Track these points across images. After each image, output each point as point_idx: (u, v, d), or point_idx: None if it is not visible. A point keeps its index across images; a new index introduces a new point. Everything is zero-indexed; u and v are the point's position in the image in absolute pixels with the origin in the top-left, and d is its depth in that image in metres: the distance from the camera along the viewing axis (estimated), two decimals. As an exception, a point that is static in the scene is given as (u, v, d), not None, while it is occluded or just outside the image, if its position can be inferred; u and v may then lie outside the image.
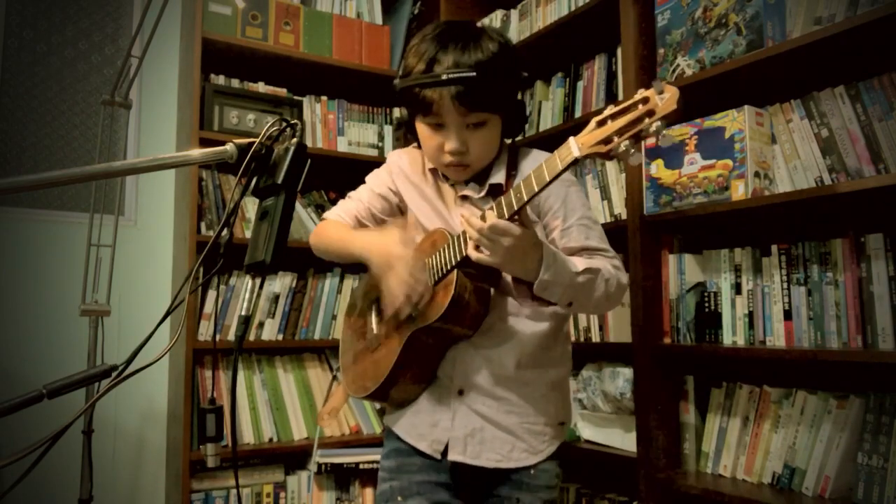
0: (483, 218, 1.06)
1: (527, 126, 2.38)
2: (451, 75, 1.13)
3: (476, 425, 1.20)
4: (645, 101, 0.90)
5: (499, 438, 1.20)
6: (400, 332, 1.21)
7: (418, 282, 1.13)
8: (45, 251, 2.41)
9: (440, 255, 1.16)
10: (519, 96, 1.28)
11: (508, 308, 1.22)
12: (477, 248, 1.07)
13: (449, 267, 1.13)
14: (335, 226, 1.33)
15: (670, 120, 0.88)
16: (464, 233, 1.10)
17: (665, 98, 0.88)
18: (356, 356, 1.34)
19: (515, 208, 1.03)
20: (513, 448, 1.20)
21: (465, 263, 1.12)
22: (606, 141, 0.93)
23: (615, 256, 1.23)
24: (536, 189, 1.00)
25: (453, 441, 1.20)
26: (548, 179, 0.99)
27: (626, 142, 0.91)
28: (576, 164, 0.97)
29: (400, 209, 1.35)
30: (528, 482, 1.21)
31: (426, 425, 1.23)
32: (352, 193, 1.38)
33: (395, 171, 1.35)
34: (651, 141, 0.94)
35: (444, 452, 1.21)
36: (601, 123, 0.94)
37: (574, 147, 0.96)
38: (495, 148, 1.25)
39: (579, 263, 1.14)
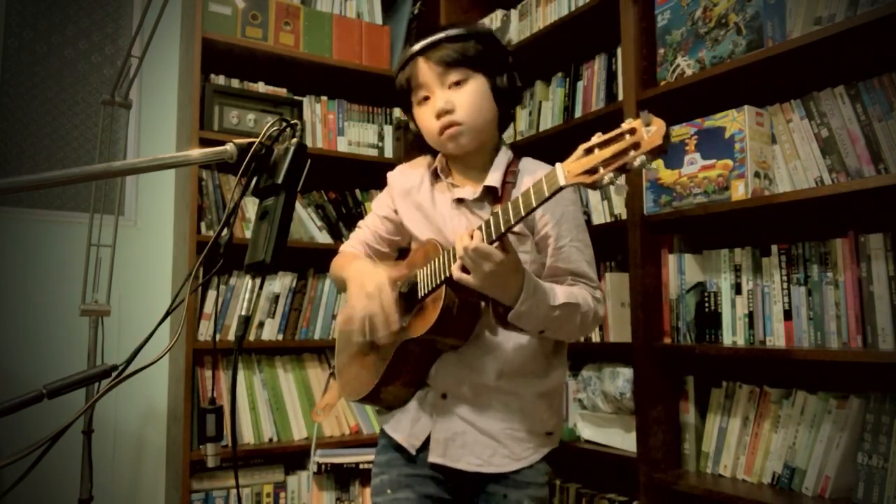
0: (472, 235, 1.07)
1: (527, 125, 2.39)
2: (422, 43, 1.21)
3: (458, 429, 1.21)
4: (632, 131, 0.88)
5: (480, 443, 1.20)
6: (391, 341, 1.21)
7: (377, 311, 1.13)
8: (45, 251, 2.41)
9: (430, 268, 1.16)
10: (507, 69, 1.28)
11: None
12: (462, 268, 1.07)
13: (438, 281, 1.13)
14: (344, 256, 1.37)
15: (656, 155, 0.87)
16: (454, 247, 1.10)
17: (651, 131, 0.86)
18: (350, 359, 1.36)
19: (503, 230, 1.03)
20: (494, 453, 1.20)
21: (452, 280, 1.11)
22: (592, 171, 0.92)
23: (598, 287, 1.23)
24: (523, 213, 1.00)
25: (434, 443, 1.21)
26: (534, 204, 0.99)
27: (611, 173, 0.90)
28: (561, 191, 0.96)
29: (405, 229, 1.37)
30: (515, 478, 1.21)
31: (408, 421, 1.25)
32: (361, 222, 1.44)
33: (394, 190, 1.38)
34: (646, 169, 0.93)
35: (421, 449, 1.23)
36: (588, 151, 0.93)
37: (560, 175, 0.95)
38: (487, 110, 1.24)
39: (560, 295, 1.13)
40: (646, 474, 1.74)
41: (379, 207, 1.40)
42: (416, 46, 1.21)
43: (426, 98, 1.23)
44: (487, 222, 1.05)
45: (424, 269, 1.18)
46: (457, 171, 1.31)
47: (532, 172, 1.25)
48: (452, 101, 1.20)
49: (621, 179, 0.91)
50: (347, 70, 2.58)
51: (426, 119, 1.24)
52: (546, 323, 1.13)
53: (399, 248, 1.44)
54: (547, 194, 0.97)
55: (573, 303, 1.14)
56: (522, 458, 1.22)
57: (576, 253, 1.22)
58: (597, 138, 0.93)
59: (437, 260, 1.15)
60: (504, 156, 1.29)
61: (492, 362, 1.21)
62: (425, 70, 1.20)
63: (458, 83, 1.20)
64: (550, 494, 2.15)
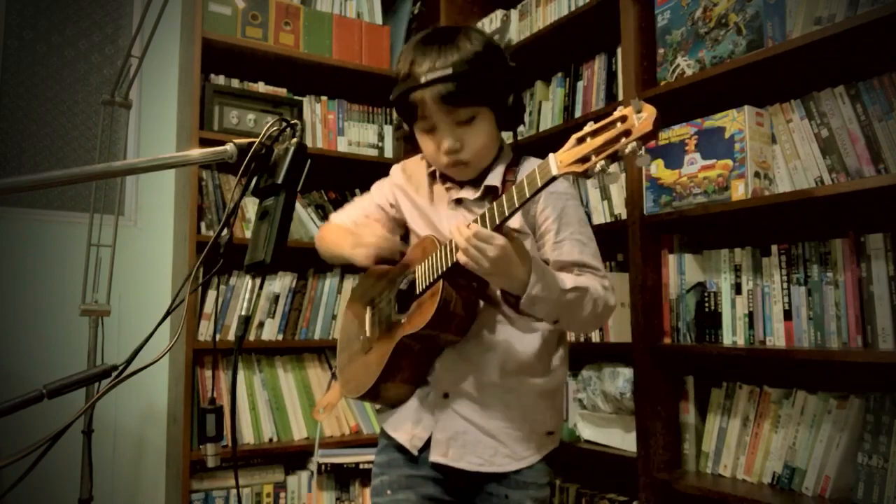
0: (469, 226, 1.07)
1: (527, 126, 2.39)
2: (429, 77, 1.14)
3: (459, 428, 1.21)
4: (623, 119, 0.88)
5: (482, 443, 1.20)
6: (390, 337, 1.22)
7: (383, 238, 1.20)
8: (45, 251, 2.41)
9: (428, 263, 1.17)
10: (512, 89, 1.25)
11: (496, 316, 1.22)
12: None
13: (436, 275, 1.13)
14: (334, 228, 1.38)
15: (646, 141, 0.86)
16: (451, 241, 1.09)
17: (642, 118, 0.86)
18: (350, 357, 1.36)
19: (497, 222, 1.03)
20: (495, 453, 1.20)
21: (452, 272, 1.11)
22: (584, 160, 0.91)
23: (606, 276, 1.22)
24: (517, 203, 1.00)
25: (436, 443, 1.21)
26: (528, 195, 0.98)
27: (603, 161, 0.89)
28: (554, 180, 0.96)
29: (398, 222, 1.37)
30: (516, 479, 1.21)
31: (409, 422, 1.25)
32: (356, 199, 1.43)
33: (395, 186, 1.37)
34: (638, 161, 0.92)
35: (423, 449, 1.23)
36: (580, 140, 0.93)
37: (553, 165, 0.95)
38: (493, 143, 1.24)
39: (568, 280, 1.13)
40: (646, 474, 1.74)
41: (377, 195, 1.40)
42: (422, 78, 1.14)
43: (432, 128, 1.20)
44: (483, 215, 1.05)
45: (422, 264, 1.19)
46: None
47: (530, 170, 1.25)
48: (460, 139, 1.18)
49: (614, 167, 0.91)
50: (347, 70, 2.59)
51: (431, 148, 1.22)
52: (560, 309, 1.12)
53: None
54: (540, 184, 0.97)
55: (583, 286, 1.14)
56: (524, 458, 1.21)
57: (578, 245, 1.21)
58: (589, 127, 0.93)
59: (434, 255, 1.15)
60: (505, 156, 1.28)
61: (495, 360, 1.21)
62: (431, 105, 1.16)
63: (466, 121, 1.18)
64: (550, 494, 2.15)
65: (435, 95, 1.14)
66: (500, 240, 1.03)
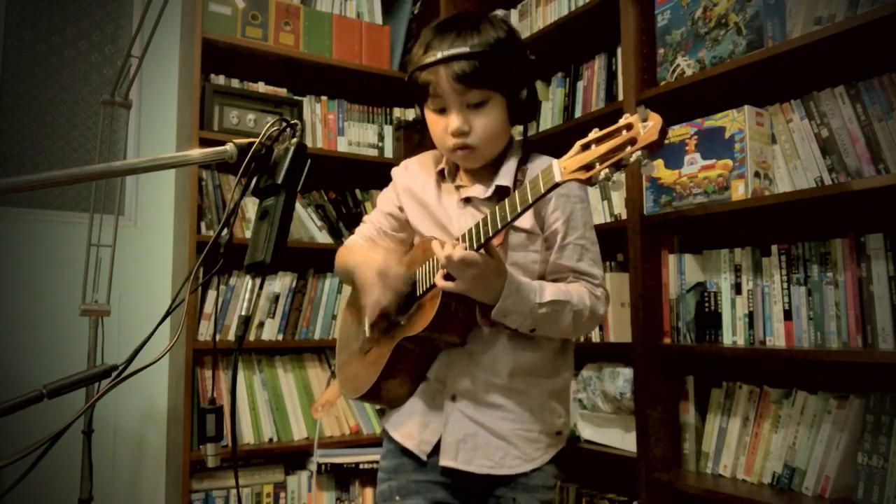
0: (463, 237, 1.09)
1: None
2: (446, 53, 1.14)
3: (469, 431, 1.20)
4: (629, 127, 0.88)
5: (492, 444, 1.20)
6: (389, 338, 1.21)
7: (390, 288, 1.17)
8: (45, 251, 2.41)
9: (429, 266, 1.16)
10: (528, 81, 1.23)
11: None
12: (447, 273, 1.09)
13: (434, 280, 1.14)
14: (347, 250, 1.38)
15: (652, 150, 0.86)
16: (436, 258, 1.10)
17: (648, 127, 0.86)
18: (350, 357, 1.35)
19: (500, 226, 1.03)
20: (506, 455, 1.20)
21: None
22: (588, 167, 0.91)
23: (601, 284, 1.22)
24: (519, 209, 1.00)
25: (445, 447, 1.20)
26: (530, 201, 0.99)
27: (607, 169, 0.89)
28: (556, 187, 0.96)
29: (409, 224, 1.37)
30: (524, 482, 1.21)
31: (417, 426, 1.23)
32: (366, 217, 1.42)
33: (399, 186, 1.36)
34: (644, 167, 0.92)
35: (431, 454, 1.22)
36: (585, 147, 0.93)
37: (556, 172, 0.95)
38: (502, 133, 1.23)
39: (549, 293, 1.14)
40: (646, 474, 1.74)
41: (384, 203, 1.39)
42: (440, 54, 1.14)
43: (442, 109, 1.19)
44: (485, 219, 1.06)
45: (423, 266, 1.18)
46: (465, 171, 1.30)
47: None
48: (470, 123, 1.17)
49: (619, 175, 0.91)
50: (347, 70, 2.59)
51: (439, 129, 1.21)
52: (534, 321, 1.14)
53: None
54: (543, 191, 0.97)
55: (563, 300, 1.14)
56: (534, 459, 1.21)
57: (579, 250, 1.21)
58: (593, 134, 0.93)
59: (435, 258, 1.15)
60: (515, 154, 1.27)
61: (503, 361, 1.20)
62: (445, 83, 1.15)
63: (477, 105, 1.17)
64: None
65: (449, 73, 1.13)
66: (478, 261, 1.06)
